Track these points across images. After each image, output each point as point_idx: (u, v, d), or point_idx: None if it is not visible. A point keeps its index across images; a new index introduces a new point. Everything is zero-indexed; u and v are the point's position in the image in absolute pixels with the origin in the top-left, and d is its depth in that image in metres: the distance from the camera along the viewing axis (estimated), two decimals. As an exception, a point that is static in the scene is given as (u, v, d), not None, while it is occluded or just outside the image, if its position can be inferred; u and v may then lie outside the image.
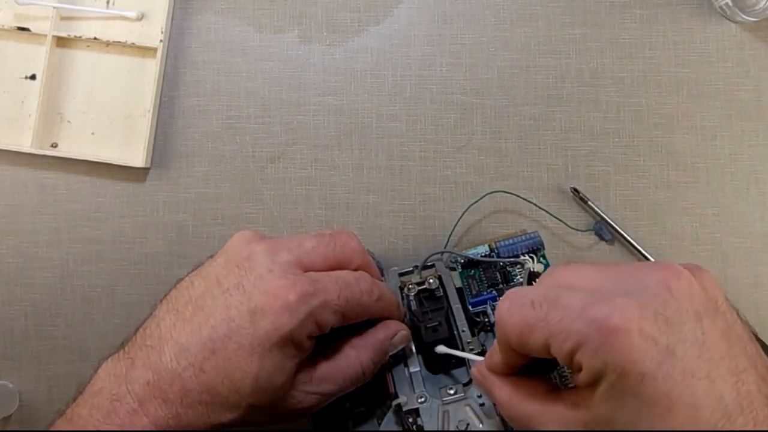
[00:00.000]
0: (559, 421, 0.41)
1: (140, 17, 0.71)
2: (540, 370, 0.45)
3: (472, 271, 0.61)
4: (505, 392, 0.45)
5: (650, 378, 0.35)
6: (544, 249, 0.62)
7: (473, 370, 0.49)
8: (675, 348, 0.35)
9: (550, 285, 0.42)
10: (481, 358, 0.50)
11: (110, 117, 0.71)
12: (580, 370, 0.38)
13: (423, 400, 0.54)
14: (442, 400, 0.54)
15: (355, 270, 0.53)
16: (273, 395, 0.47)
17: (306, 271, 0.49)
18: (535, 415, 0.42)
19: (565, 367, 0.51)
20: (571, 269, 0.43)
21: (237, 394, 0.46)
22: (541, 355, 0.40)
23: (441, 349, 0.55)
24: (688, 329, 0.36)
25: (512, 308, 0.41)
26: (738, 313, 0.40)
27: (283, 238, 0.51)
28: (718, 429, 0.34)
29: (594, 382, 0.37)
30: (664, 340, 0.35)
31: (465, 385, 0.55)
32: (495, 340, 0.45)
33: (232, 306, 0.46)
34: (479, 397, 0.54)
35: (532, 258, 0.61)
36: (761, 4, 0.67)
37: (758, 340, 0.64)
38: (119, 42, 0.70)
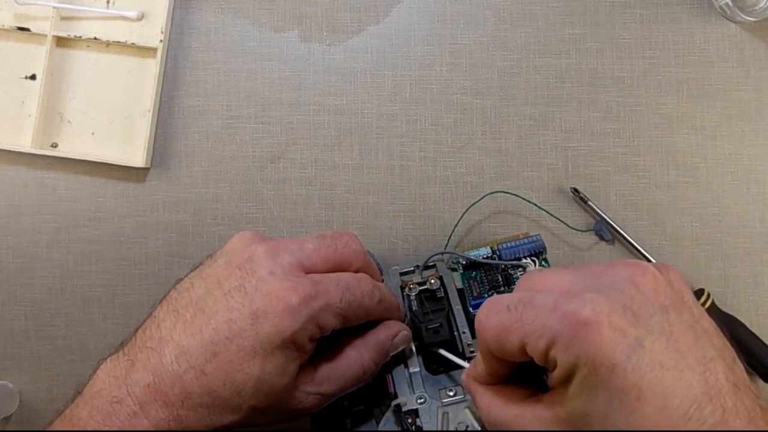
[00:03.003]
0: (535, 421, 0.41)
1: (140, 17, 0.71)
2: (525, 380, 0.45)
3: (474, 272, 0.61)
4: (486, 399, 0.45)
5: (620, 369, 0.35)
6: (545, 252, 0.62)
7: (462, 378, 0.49)
8: (643, 339, 0.36)
9: (526, 289, 0.43)
10: None
11: (110, 117, 0.71)
12: (555, 368, 0.38)
13: (422, 401, 0.54)
14: (442, 402, 0.54)
15: (356, 272, 0.53)
16: (275, 397, 0.47)
17: (307, 273, 0.49)
18: (513, 419, 0.43)
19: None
20: (545, 273, 0.44)
21: (238, 396, 0.46)
22: (518, 357, 0.41)
23: (441, 352, 0.56)
24: (656, 322, 0.37)
25: (490, 313, 0.42)
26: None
27: (284, 239, 0.51)
28: (689, 416, 0.34)
29: (568, 378, 0.38)
30: (632, 332, 0.36)
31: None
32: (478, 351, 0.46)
33: (233, 308, 0.46)
34: (479, 399, 0.54)
35: (534, 261, 0.61)
36: (761, 4, 0.67)
37: (758, 339, 0.64)
38: (119, 42, 0.70)
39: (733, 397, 0.35)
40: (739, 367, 0.38)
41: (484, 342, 0.43)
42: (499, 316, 0.41)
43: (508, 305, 0.41)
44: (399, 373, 0.57)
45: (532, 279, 0.44)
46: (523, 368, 0.44)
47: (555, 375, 0.39)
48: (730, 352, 0.39)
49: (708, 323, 0.39)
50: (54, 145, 0.70)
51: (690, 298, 0.40)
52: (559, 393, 0.40)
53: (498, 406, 0.44)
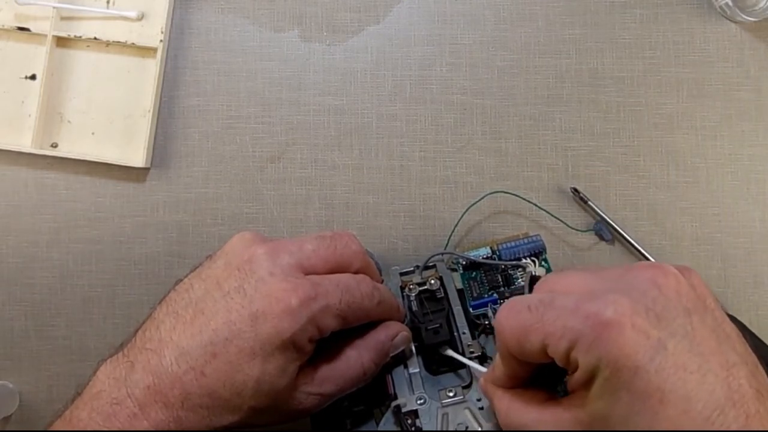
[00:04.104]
0: (555, 424, 0.41)
1: (140, 17, 0.71)
2: (545, 384, 0.45)
3: (474, 272, 0.61)
4: (504, 403, 0.45)
5: (643, 371, 0.35)
6: (545, 252, 0.61)
7: (480, 381, 0.49)
8: (666, 342, 0.36)
9: (546, 291, 0.43)
10: (485, 369, 0.50)
11: (110, 117, 0.71)
12: (575, 370, 0.38)
13: (422, 401, 0.54)
14: (442, 402, 0.55)
15: (356, 272, 0.53)
16: (274, 398, 0.47)
17: (307, 274, 0.49)
18: (532, 423, 0.43)
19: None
20: (565, 275, 0.44)
21: (238, 397, 0.46)
22: (539, 358, 0.41)
23: (448, 352, 0.56)
24: (678, 324, 0.37)
25: (510, 314, 0.42)
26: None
27: (284, 240, 0.51)
28: (711, 421, 0.34)
29: (589, 380, 0.38)
30: (655, 334, 0.36)
31: (464, 387, 0.55)
32: (497, 354, 0.45)
33: (233, 309, 0.46)
34: (478, 400, 0.54)
35: (533, 261, 0.61)
36: (761, 4, 0.67)
37: (758, 339, 0.64)
38: (119, 42, 0.70)
39: (757, 403, 0.35)
40: (761, 373, 0.38)
41: (504, 343, 0.42)
42: (519, 317, 0.41)
43: (528, 305, 0.41)
44: (399, 373, 0.57)
45: (552, 280, 0.44)
46: (542, 373, 0.44)
47: (576, 377, 0.39)
48: (752, 357, 0.39)
49: (730, 328, 0.39)
50: (54, 145, 0.70)
51: (712, 301, 0.40)
52: (580, 395, 0.39)
53: (517, 410, 0.44)
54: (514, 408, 0.44)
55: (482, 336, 0.58)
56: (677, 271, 0.40)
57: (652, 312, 0.37)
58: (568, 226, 0.69)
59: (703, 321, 0.38)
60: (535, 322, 0.40)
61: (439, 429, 0.53)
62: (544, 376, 0.45)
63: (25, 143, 0.69)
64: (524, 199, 0.68)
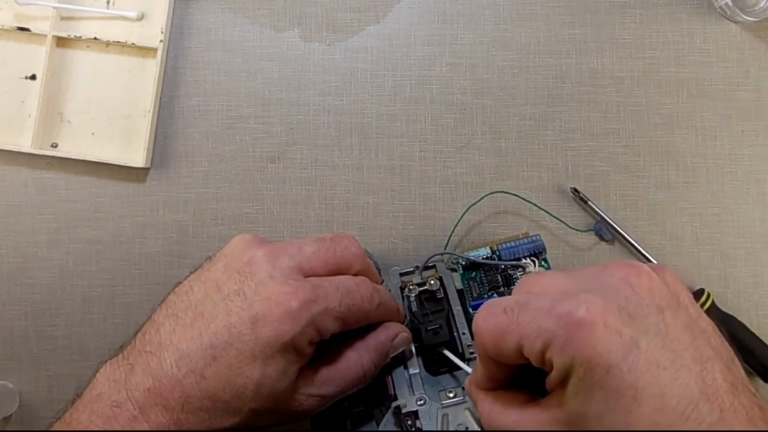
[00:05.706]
0: (534, 424, 0.41)
1: (140, 17, 0.71)
2: (529, 384, 0.45)
3: (474, 273, 0.61)
4: (486, 405, 0.45)
5: (616, 369, 0.35)
6: (545, 252, 0.62)
7: (465, 384, 0.50)
8: (639, 340, 0.36)
9: (523, 292, 0.44)
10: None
11: (110, 117, 0.71)
12: (551, 370, 0.39)
13: (422, 402, 0.55)
14: (442, 403, 0.55)
15: (356, 275, 0.53)
16: (275, 400, 0.48)
17: (306, 277, 0.49)
18: (512, 424, 0.43)
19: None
20: (541, 276, 0.44)
21: (239, 399, 0.46)
22: (516, 360, 0.41)
23: (447, 353, 0.56)
24: (651, 322, 0.37)
25: (486, 317, 0.42)
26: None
27: (284, 242, 0.51)
28: (686, 416, 0.34)
29: (564, 379, 0.38)
30: (628, 332, 0.36)
31: (464, 388, 0.55)
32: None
33: (233, 312, 0.46)
34: (479, 401, 0.54)
35: (533, 261, 0.61)
36: (761, 4, 0.67)
37: (758, 339, 0.64)
38: (119, 42, 0.70)
39: (731, 397, 0.36)
40: (737, 367, 0.38)
41: (482, 345, 0.43)
42: (495, 319, 0.41)
43: (504, 308, 0.41)
44: (399, 374, 0.57)
45: (529, 282, 0.44)
46: (525, 373, 0.44)
47: (552, 377, 0.39)
48: (728, 351, 0.39)
49: (705, 323, 0.40)
50: (54, 145, 0.70)
51: (686, 298, 0.40)
52: (557, 395, 0.40)
53: (498, 411, 0.44)
54: (496, 410, 0.45)
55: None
56: (650, 269, 0.40)
57: (625, 311, 0.37)
58: (568, 226, 0.69)
59: (676, 317, 0.38)
60: (510, 323, 0.40)
61: (439, 430, 0.53)
62: (528, 377, 0.45)
63: (25, 143, 0.69)
64: (524, 199, 0.68)
